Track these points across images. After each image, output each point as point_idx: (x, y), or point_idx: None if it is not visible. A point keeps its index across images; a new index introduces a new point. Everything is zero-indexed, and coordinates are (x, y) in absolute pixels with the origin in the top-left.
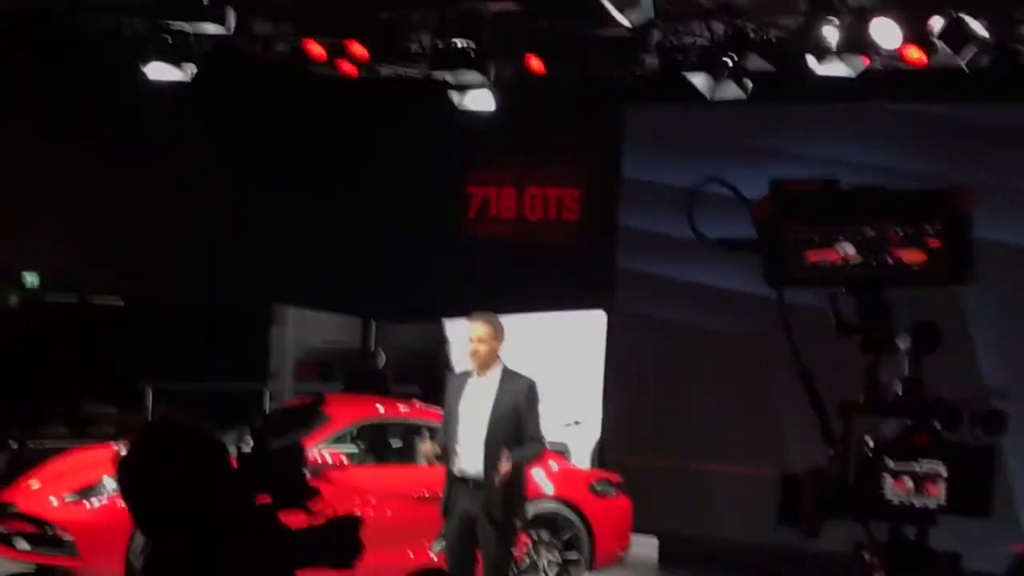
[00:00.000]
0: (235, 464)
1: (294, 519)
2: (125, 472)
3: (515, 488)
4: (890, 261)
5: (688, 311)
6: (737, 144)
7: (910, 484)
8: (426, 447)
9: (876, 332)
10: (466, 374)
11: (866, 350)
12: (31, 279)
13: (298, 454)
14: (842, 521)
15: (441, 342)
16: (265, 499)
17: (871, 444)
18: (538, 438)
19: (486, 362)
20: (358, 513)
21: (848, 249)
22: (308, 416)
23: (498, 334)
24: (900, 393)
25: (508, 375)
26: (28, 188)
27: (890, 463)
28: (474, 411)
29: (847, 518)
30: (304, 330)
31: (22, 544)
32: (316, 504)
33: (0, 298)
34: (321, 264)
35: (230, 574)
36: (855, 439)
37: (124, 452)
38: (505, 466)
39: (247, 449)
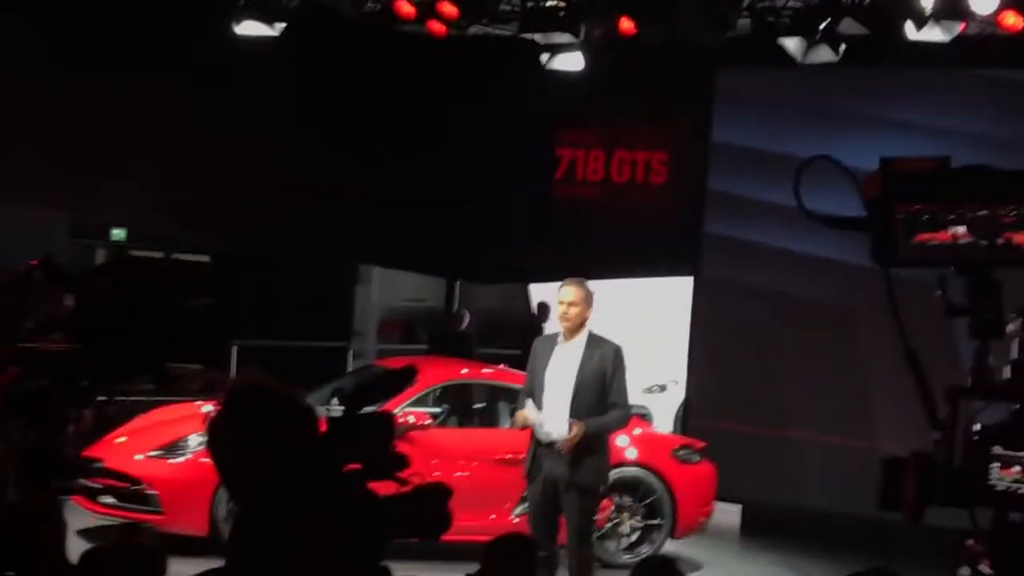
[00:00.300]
0: (324, 429)
1: (382, 487)
2: (214, 434)
3: (600, 454)
4: (1001, 242)
5: (776, 277)
6: (828, 109)
7: (1018, 471)
8: (521, 415)
9: (985, 314)
10: (553, 339)
11: (974, 333)
12: (118, 234)
13: (388, 422)
14: (945, 507)
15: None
16: (354, 467)
17: (978, 429)
18: (624, 404)
19: (575, 327)
20: (445, 482)
21: (958, 229)
22: (399, 384)
23: (588, 299)
24: (1009, 377)
25: (594, 340)
26: (116, 144)
27: (998, 449)
28: (560, 376)
29: (951, 504)
30: (388, 289)
31: (107, 499)
32: (405, 473)
33: (87, 253)
34: (407, 223)
35: (317, 540)
36: (961, 424)
37: (213, 413)
38: (575, 432)
39: (336, 414)
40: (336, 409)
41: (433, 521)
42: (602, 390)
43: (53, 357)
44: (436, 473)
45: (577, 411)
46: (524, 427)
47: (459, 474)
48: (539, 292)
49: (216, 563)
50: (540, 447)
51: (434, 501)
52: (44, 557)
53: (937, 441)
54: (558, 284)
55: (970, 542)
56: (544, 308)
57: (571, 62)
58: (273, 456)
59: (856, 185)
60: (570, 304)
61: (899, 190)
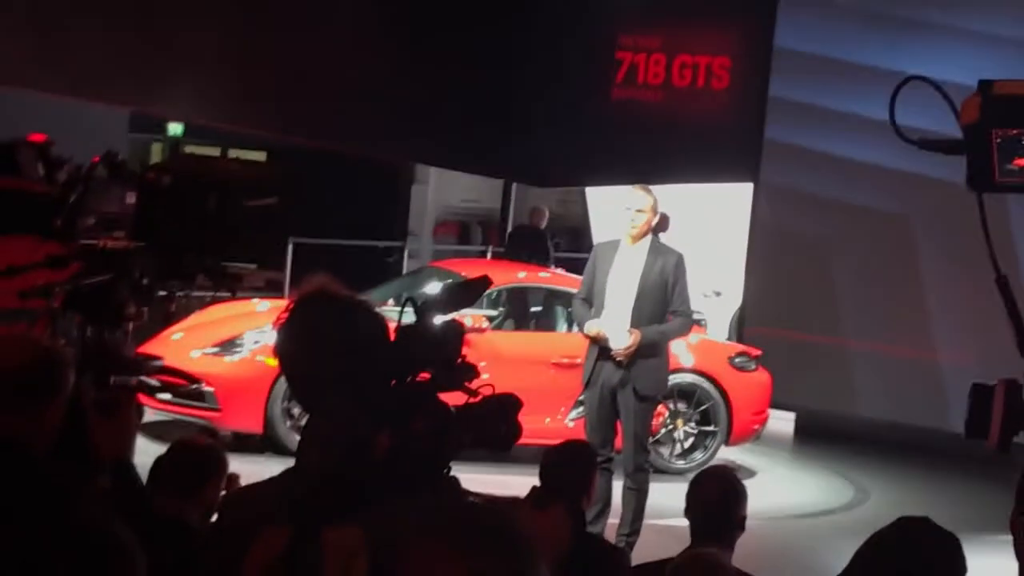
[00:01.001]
0: (393, 338)
1: (452, 398)
2: (282, 340)
3: (659, 361)
4: None
5: (836, 186)
6: (894, 15)
7: None
8: (595, 328)
9: None
10: (614, 244)
11: None
12: (175, 129)
13: (458, 331)
14: None
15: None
16: (424, 375)
17: None
18: (685, 313)
19: (641, 233)
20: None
21: None
22: (473, 293)
23: (655, 207)
24: None
25: (656, 247)
26: (170, 40)
27: None
28: (622, 282)
29: None
30: (444, 190)
31: (164, 395)
32: (475, 383)
33: (144, 148)
34: (464, 124)
35: (386, 449)
36: None
37: (281, 319)
38: (633, 340)
39: (406, 320)
40: (400, 312)
41: (503, 433)
42: (664, 297)
43: (114, 254)
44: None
45: (638, 317)
46: (595, 337)
47: (515, 377)
48: (595, 197)
49: (271, 461)
50: (599, 354)
51: (504, 412)
52: (104, 451)
53: None
54: (614, 188)
55: None
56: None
57: None
58: (342, 363)
59: (954, 108)
60: (638, 211)
61: (998, 114)
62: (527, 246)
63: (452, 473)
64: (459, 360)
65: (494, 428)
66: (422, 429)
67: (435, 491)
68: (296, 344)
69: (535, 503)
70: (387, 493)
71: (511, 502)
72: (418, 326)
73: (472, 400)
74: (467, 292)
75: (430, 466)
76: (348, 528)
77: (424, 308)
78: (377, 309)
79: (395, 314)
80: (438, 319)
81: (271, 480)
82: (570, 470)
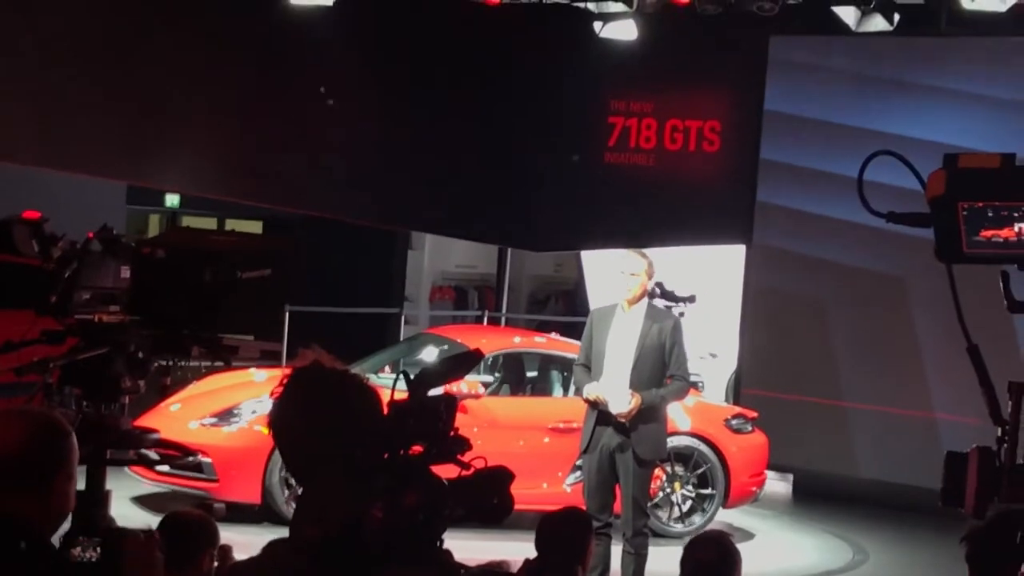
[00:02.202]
0: (386, 411)
1: (443, 470)
2: (276, 415)
3: (658, 425)
4: None
5: (829, 247)
6: (881, 77)
7: None
8: (594, 392)
9: None
10: (611, 309)
11: None
12: (171, 200)
13: (451, 404)
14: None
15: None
16: (416, 448)
17: None
18: (683, 376)
19: (636, 297)
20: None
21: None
22: (465, 366)
23: (650, 269)
24: None
25: (653, 311)
26: (164, 113)
27: None
28: (620, 346)
29: (1013, 501)
30: (440, 255)
31: (162, 467)
32: (467, 456)
33: (141, 220)
34: (458, 190)
35: (381, 522)
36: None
37: (274, 395)
38: (634, 404)
39: (399, 393)
40: (393, 386)
41: (495, 505)
42: (661, 361)
43: (110, 328)
44: (478, 442)
45: (637, 381)
46: (595, 402)
47: (512, 443)
48: (590, 260)
49: (268, 531)
50: (598, 418)
51: (496, 485)
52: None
53: (999, 437)
54: (609, 252)
55: None
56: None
57: (624, 31)
58: (335, 438)
59: (921, 181)
60: (632, 274)
61: (963, 187)
62: None
63: (445, 546)
64: (451, 433)
65: (486, 501)
66: (415, 502)
67: (428, 564)
68: (289, 419)
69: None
70: (381, 566)
71: (503, 573)
72: (411, 399)
73: (464, 473)
74: (459, 365)
75: (423, 539)
76: None
77: (417, 381)
78: (369, 383)
79: (390, 383)
80: (431, 392)
81: (265, 553)
82: (565, 537)
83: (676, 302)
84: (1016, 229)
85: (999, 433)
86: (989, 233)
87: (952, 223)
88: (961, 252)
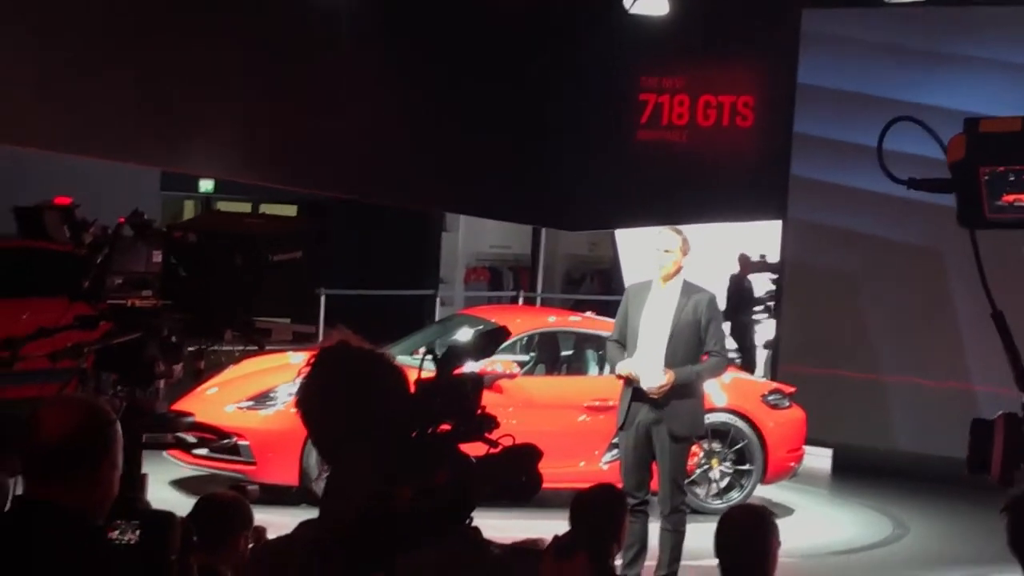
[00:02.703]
0: (414, 390)
1: (472, 448)
2: (303, 394)
3: (695, 402)
4: None
5: (864, 220)
6: (914, 48)
7: None
8: (627, 368)
9: None
10: (647, 286)
11: None
12: (206, 186)
13: (478, 383)
14: None
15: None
16: (444, 427)
17: None
18: (720, 352)
19: (671, 274)
20: (535, 444)
21: None
22: (492, 343)
23: (685, 246)
24: None
25: (688, 288)
26: (198, 98)
27: None
28: (655, 324)
29: None
30: (474, 237)
31: (199, 451)
32: (495, 434)
33: (176, 205)
34: (492, 171)
35: (410, 501)
36: None
37: (302, 374)
38: (667, 379)
39: (427, 370)
40: (420, 364)
41: (523, 483)
42: (697, 338)
43: (142, 313)
44: (513, 422)
45: (672, 358)
46: (627, 378)
47: (548, 422)
48: (624, 239)
49: (307, 513)
50: (634, 395)
51: (525, 463)
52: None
53: None
54: (644, 230)
55: None
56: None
57: (655, 6)
58: (362, 417)
59: (942, 145)
60: (666, 251)
61: (984, 151)
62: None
63: (479, 524)
64: (479, 411)
65: (515, 478)
66: (443, 480)
67: (457, 542)
68: (316, 399)
69: (557, 553)
70: (409, 544)
71: (535, 551)
72: (438, 378)
73: (492, 451)
74: (487, 342)
75: (452, 517)
76: None
77: (444, 360)
78: (396, 361)
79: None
80: (459, 370)
81: (295, 533)
82: (598, 515)
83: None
84: None
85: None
86: (1011, 198)
87: (973, 188)
88: (983, 217)
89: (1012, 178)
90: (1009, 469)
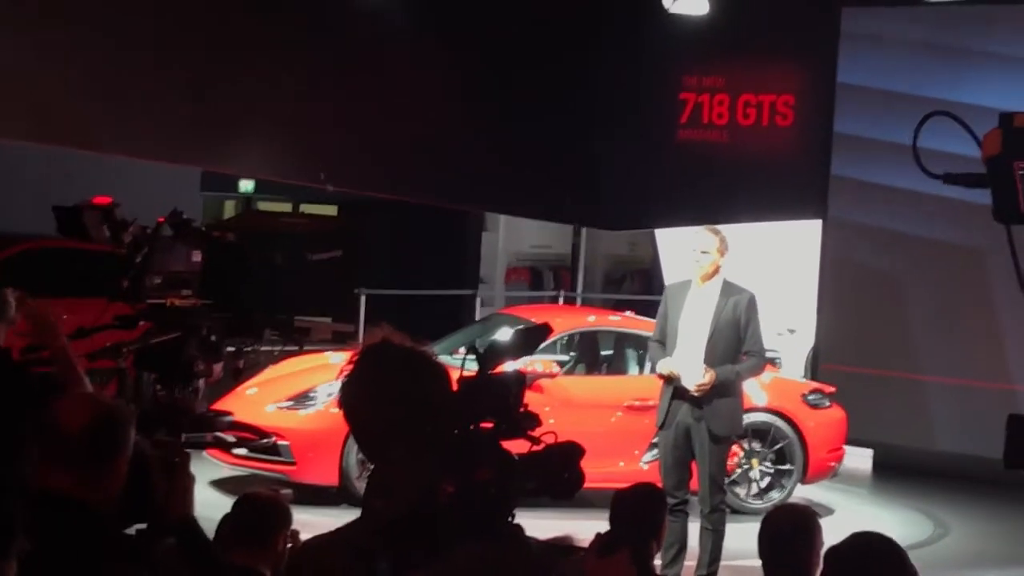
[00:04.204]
0: (456, 388)
1: (515, 446)
2: (346, 392)
3: (734, 401)
4: None
5: (905, 219)
6: (957, 46)
7: None
8: (667, 367)
9: None
10: (686, 285)
11: None
12: (246, 186)
13: (520, 380)
14: None
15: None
16: (486, 425)
17: None
18: (759, 353)
19: (709, 274)
20: (577, 441)
21: None
22: (533, 341)
23: (723, 246)
24: None
25: (728, 287)
26: (236, 97)
27: None
28: (694, 323)
29: None
30: (514, 236)
31: (239, 451)
32: (537, 431)
33: (216, 206)
34: (532, 170)
35: (452, 497)
36: None
37: (345, 372)
38: (708, 378)
39: (469, 369)
40: (463, 362)
41: (565, 481)
42: (736, 337)
43: (182, 312)
44: (551, 421)
45: (711, 358)
46: (668, 376)
47: (588, 421)
48: (664, 238)
49: (347, 513)
50: (674, 394)
51: (566, 460)
52: (170, 508)
53: None
54: (684, 229)
55: None
56: None
57: (695, 5)
58: (405, 414)
59: (977, 140)
60: (703, 252)
61: (1019, 146)
62: None
63: (521, 522)
64: (521, 408)
65: (557, 475)
66: (486, 477)
67: (499, 538)
68: (359, 396)
69: (599, 551)
70: (452, 541)
71: (575, 547)
72: (480, 375)
73: (535, 448)
74: (528, 340)
75: (494, 513)
76: None
77: (486, 357)
78: (439, 359)
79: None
80: (501, 368)
81: (338, 531)
82: (639, 513)
83: None
84: None
85: None
86: None
87: (1009, 183)
88: (1019, 212)
89: None
90: None
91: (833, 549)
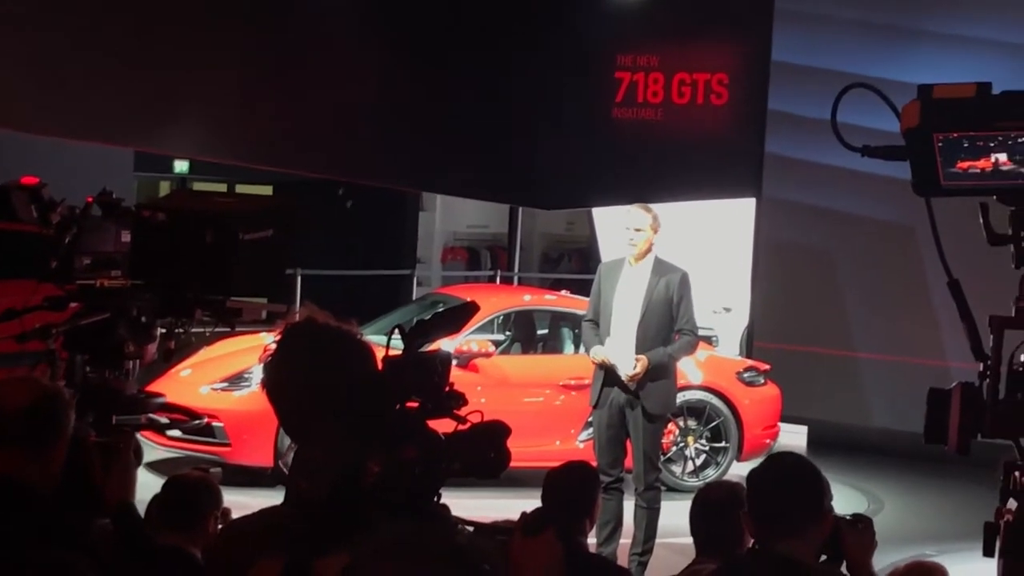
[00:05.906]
0: (381, 367)
1: (440, 425)
2: (270, 372)
3: (667, 380)
4: None
5: (839, 197)
6: (891, 25)
7: None
8: (601, 354)
9: None
10: (619, 263)
11: (1018, 262)
12: (180, 166)
13: (446, 359)
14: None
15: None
16: (412, 404)
17: (1022, 360)
18: (691, 331)
19: (642, 253)
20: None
21: (1000, 156)
22: (459, 319)
23: (655, 225)
24: None
25: (660, 265)
26: (170, 77)
27: None
28: (627, 301)
29: (996, 436)
30: (451, 216)
31: (173, 432)
32: (463, 411)
33: (152, 187)
34: (468, 150)
35: (378, 477)
36: (1006, 354)
37: (268, 352)
38: (639, 368)
39: (395, 352)
40: (387, 341)
41: (491, 460)
42: (669, 316)
43: (112, 293)
44: (482, 400)
45: (644, 336)
46: (602, 363)
47: (523, 401)
48: (602, 217)
49: (282, 494)
50: (606, 378)
51: (492, 439)
52: (108, 492)
53: (981, 372)
54: (620, 208)
55: (1017, 473)
56: None
57: None
58: (329, 393)
59: (896, 112)
60: (636, 229)
61: (937, 118)
62: None
63: (451, 502)
64: (447, 388)
65: (483, 455)
66: (411, 456)
67: (425, 518)
68: (283, 375)
69: (524, 530)
70: (377, 521)
71: (503, 528)
72: (406, 354)
73: (461, 427)
74: (455, 318)
75: (419, 493)
76: (338, 557)
77: (412, 335)
78: (364, 338)
79: (396, 343)
80: (427, 347)
81: (263, 511)
82: (570, 492)
83: None
84: (992, 159)
85: (981, 368)
86: (965, 164)
87: (928, 155)
88: (938, 185)
89: (966, 144)
90: (966, 438)
91: (752, 471)
